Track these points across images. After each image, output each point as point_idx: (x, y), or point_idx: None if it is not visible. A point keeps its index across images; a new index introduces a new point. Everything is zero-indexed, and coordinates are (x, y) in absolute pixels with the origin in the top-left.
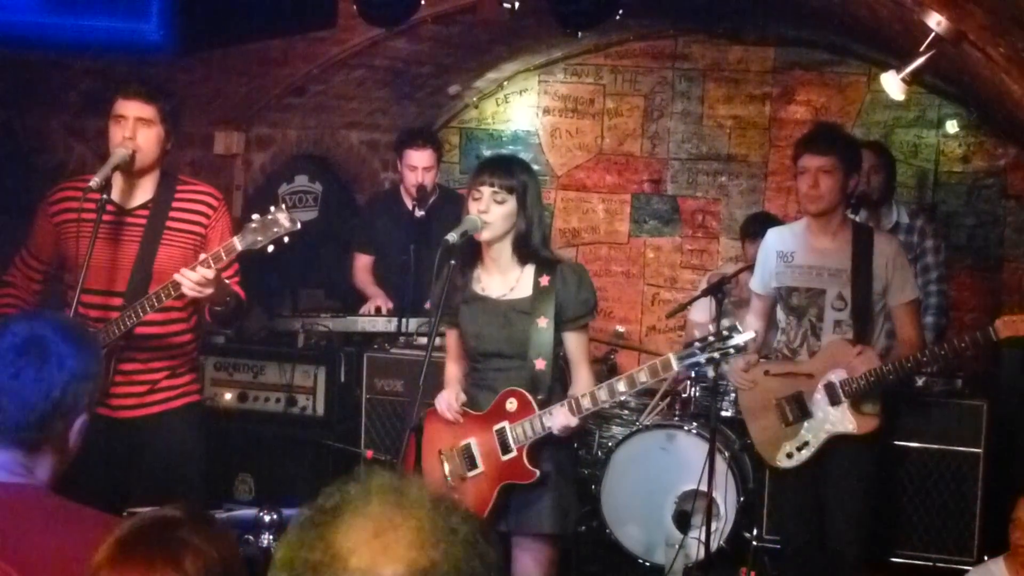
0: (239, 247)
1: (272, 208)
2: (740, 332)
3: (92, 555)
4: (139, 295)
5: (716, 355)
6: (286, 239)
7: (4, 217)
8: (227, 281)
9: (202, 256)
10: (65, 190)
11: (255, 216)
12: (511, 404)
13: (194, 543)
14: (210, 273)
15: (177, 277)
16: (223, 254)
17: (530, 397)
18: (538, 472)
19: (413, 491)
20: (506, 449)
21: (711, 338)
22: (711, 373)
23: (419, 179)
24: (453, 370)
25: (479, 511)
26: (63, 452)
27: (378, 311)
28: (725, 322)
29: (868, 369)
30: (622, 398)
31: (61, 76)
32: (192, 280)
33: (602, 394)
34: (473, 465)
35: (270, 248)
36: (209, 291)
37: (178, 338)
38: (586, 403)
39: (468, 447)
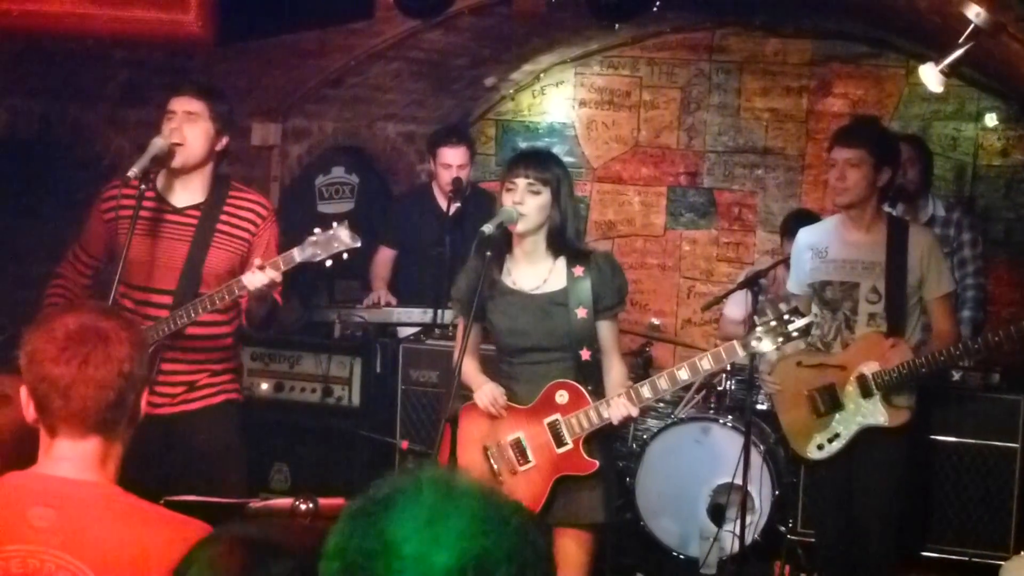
0: (298, 259)
1: (335, 224)
2: (802, 315)
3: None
4: (189, 295)
5: (780, 339)
6: (345, 256)
7: (45, 208)
8: None
9: (257, 261)
10: (115, 187)
11: (317, 230)
12: (561, 396)
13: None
14: (278, 277)
15: (247, 278)
16: (282, 264)
17: (582, 389)
18: (598, 463)
19: (463, 482)
20: (561, 442)
21: (773, 323)
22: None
23: (453, 176)
24: (471, 364)
25: (533, 504)
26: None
27: (376, 303)
28: (783, 306)
29: (901, 362)
30: (682, 386)
31: (100, 67)
32: (262, 283)
33: (662, 382)
34: (525, 459)
35: (328, 263)
36: (268, 292)
37: (220, 341)
38: (646, 392)
39: (519, 441)
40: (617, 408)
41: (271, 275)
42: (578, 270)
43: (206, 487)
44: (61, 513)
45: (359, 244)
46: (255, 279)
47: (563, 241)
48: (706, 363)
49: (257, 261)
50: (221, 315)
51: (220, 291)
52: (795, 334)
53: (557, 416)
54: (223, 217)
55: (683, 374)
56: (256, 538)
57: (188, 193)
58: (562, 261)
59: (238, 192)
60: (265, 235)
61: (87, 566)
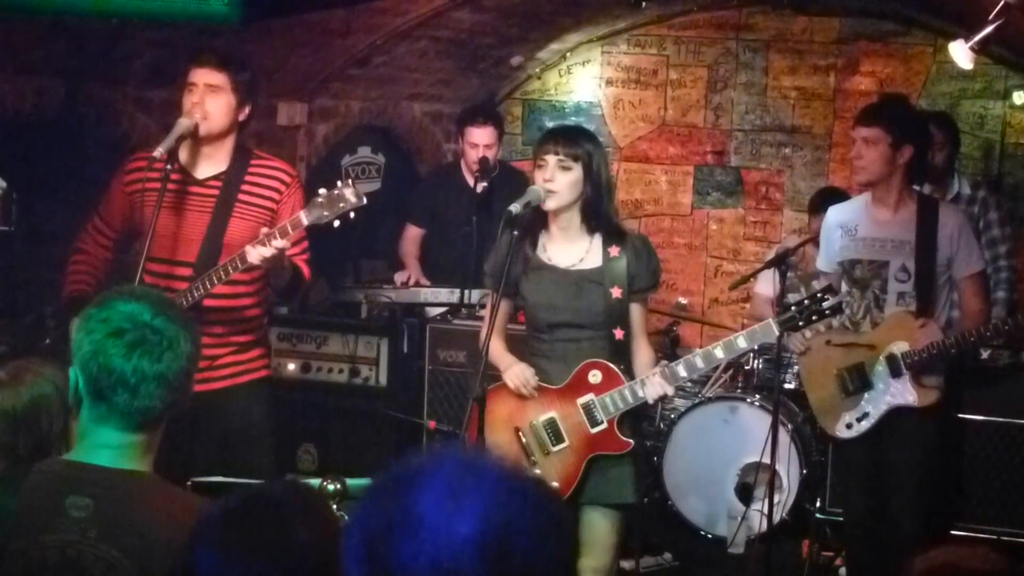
0: (305, 221)
1: (339, 183)
2: (835, 293)
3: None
4: (209, 266)
5: (814, 317)
6: (352, 214)
7: (70, 188)
8: (287, 255)
9: (264, 230)
10: (140, 159)
11: (322, 191)
12: (595, 376)
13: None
14: (283, 244)
15: (249, 250)
16: (290, 228)
17: (615, 368)
18: (632, 442)
19: (486, 457)
20: (595, 422)
21: (807, 301)
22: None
23: (480, 155)
24: (498, 344)
25: (567, 484)
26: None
27: (406, 282)
28: (815, 284)
29: (931, 342)
30: (718, 364)
31: (126, 47)
32: (266, 255)
33: (698, 361)
34: (559, 439)
35: (336, 223)
36: (278, 263)
37: (245, 312)
38: (681, 370)
39: (552, 421)
40: (652, 387)
41: (277, 244)
42: (614, 250)
43: (232, 468)
44: (99, 503)
45: (364, 202)
46: (257, 252)
47: (598, 217)
48: (742, 342)
49: (264, 230)
50: (243, 287)
51: (233, 260)
52: (828, 312)
53: (591, 396)
54: (244, 187)
55: (719, 352)
56: (268, 506)
57: (210, 164)
58: (598, 239)
59: (260, 161)
60: (290, 202)
61: (125, 557)
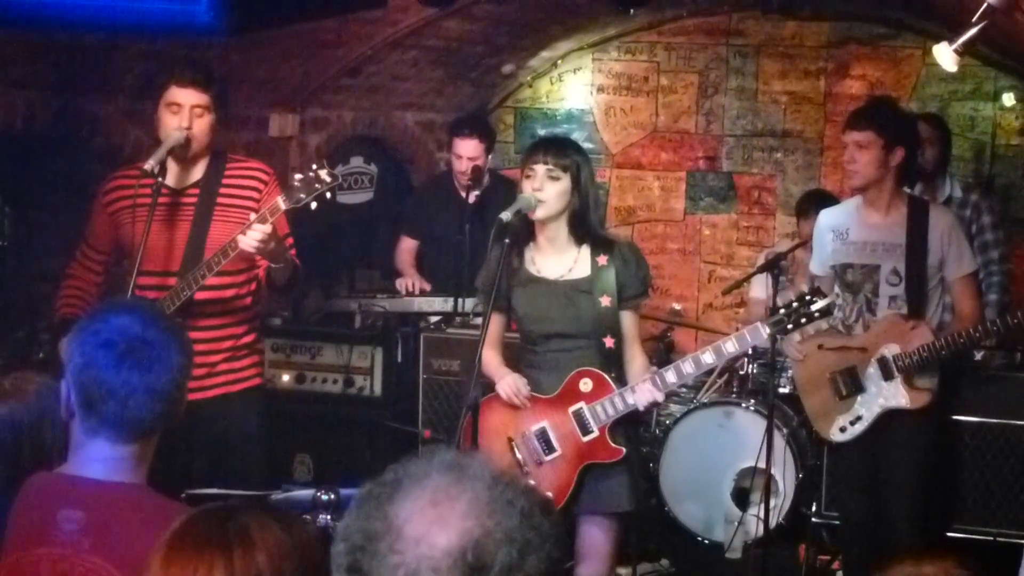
0: (284, 206)
1: (313, 165)
2: (823, 296)
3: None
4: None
5: (803, 320)
6: (328, 195)
7: (62, 201)
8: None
9: (252, 216)
10: (118, 179)
11: (297, 175)
12: (585, 384)
13: (249, 534)
14: (268, 228)
15: (241, 238)
16: (268, 214)
17: (606, 376)
18: (624, 450)
19: (474, 466)
20: (586, 430)
21: (795, 303)
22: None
23: (464, 167)
24: (493, 357)
25: (560, 493)
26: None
27: (411, 290)
28: (804, 286)
29: (922, 344)
30: (707, 369)
31: (116, 60)
32: (255, 240)
33: (687, 367)
34: (550, 449)
35: (313, 205)
36: (270, 247)
37: (238, 316)
38: (671, 376)
39: (543, 431)
40: (643, 394)
41: (262, 228)
42: (602, 259)
43: (227, 478)
44: (90, 516)
45: (339, 180)
46: (248, 237)
47: (585, 227)
48: (731, 346)
49: (253, 216)
50: (232, 290)
51: (216, 254)
52: (817, 314)
53: (582, 404)
54: (223, 190)
55: (708, 357)
56: (241, 504)
57: (189, 174)
58: (586, 249)
59: (236, 163)
60: (270, 199)
61: (116, 570)
